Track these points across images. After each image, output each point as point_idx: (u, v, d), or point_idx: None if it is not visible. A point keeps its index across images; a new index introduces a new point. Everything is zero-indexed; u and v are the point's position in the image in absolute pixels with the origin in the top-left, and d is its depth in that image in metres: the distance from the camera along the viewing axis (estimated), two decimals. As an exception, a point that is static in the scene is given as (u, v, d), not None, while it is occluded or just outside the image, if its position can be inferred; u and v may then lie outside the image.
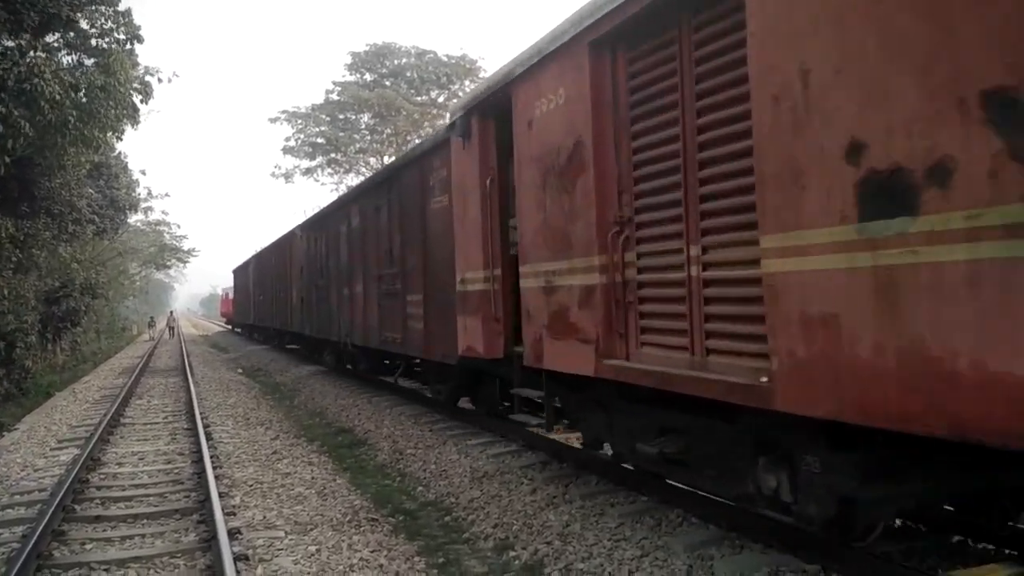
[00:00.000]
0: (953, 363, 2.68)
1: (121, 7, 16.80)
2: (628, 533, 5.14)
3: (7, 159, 14.03)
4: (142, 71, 17.94)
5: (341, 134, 41.17)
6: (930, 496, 4.21)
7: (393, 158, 26.19)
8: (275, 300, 22.94)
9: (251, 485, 7.27)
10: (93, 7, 16.17)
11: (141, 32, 17.00)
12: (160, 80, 18.23)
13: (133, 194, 32.19)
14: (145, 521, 6.24)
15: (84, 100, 15.52)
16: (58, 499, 6.35)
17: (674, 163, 4.33)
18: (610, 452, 6.12)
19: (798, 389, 3.34)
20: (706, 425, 4.49)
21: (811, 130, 3.21)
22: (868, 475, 3.60)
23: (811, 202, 3.21)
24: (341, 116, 41.31)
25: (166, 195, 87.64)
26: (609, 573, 4.61)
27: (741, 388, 3.72)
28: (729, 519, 5.10)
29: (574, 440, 7.64)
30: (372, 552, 5.29)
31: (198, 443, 9.00)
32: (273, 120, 42.50)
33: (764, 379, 3.54)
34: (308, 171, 42.72)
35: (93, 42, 16.59)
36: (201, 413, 11.47)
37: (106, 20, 16.53)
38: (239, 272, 35.76)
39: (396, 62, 41.15)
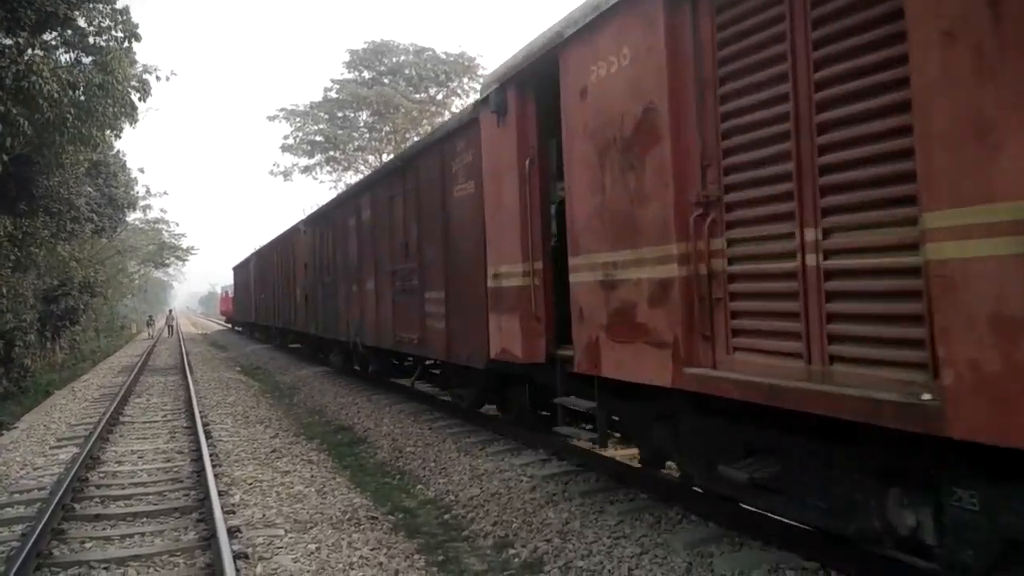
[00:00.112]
0: None
1: (119, 5, 16.81)
2: (628, 531, 5.15)
3: (5, 157, 14.01)
4: (140, 69, 17.92)
5: (340, 132, 41.15)
6: None
7: (392, 155, 26.06)
8: (278, 298, 22.45)
9: (250, 483, 7.26)
10: (91, 5, 16.16)
11: (139, 30, 16.98)
12: (158, 78, 18.20)
13: (131, 192, 32.21)
14: (144, 519, 6.23)
15: (82, 98, 15.50)
16: (57, 498, 6.35)
17: (780, 128, 3.59)
18: (677, 472, 5.57)
19: (985, 411, 2.60)
20: (812, 446, 3.79)
21: (1010, 71, 2.52)
22: None
23: (1010, 165, 2.50)
24: (340, 114, 41.29)
25: (165, 193, 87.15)
26: (609, 571, 4.61)
27: (892, 408, 2.94)
28: (728, 517, 5.11)
29: (609, 453, 7.13)
30: (372, 550, 5.29)
31: (197, 441, 9.00)
32: (272, 118, 42.50)
33: (927, 396, 2.84)
34: (307, 169, 42.74)
35: (91, 40, 16.57)
36: (200, 411, 11.48)
37: (104, 18, 16.53)
38: (239, 269, 35.67)
39: (394, 60, 41.12)
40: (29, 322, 19.03)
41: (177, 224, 66.39)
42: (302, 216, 18.92)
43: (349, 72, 41.59)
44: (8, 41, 13.79)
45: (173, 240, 52.32)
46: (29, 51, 14.05)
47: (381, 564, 5.04)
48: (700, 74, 4.08)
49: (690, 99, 4.14)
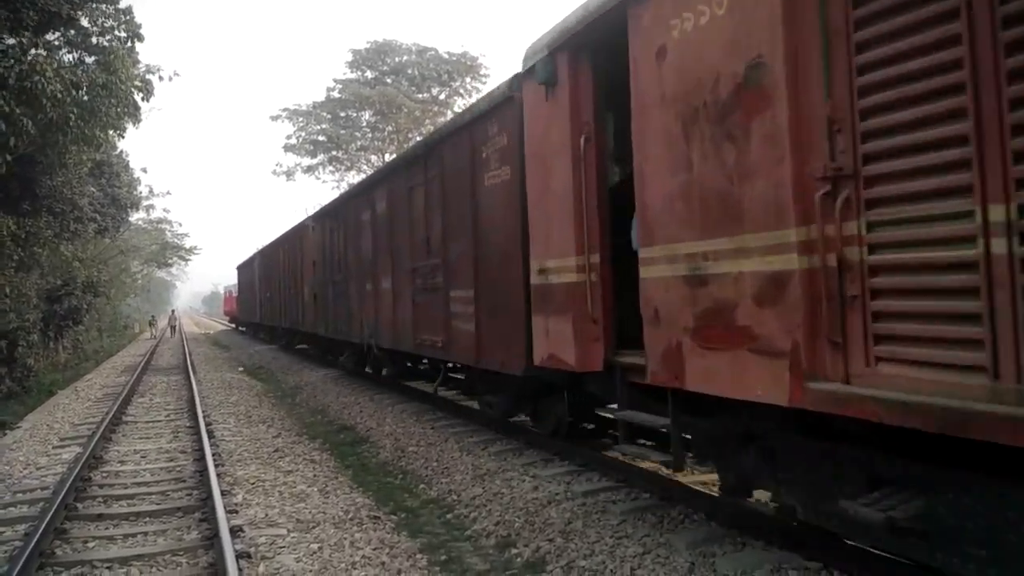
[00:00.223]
0: None
1: (122, 5, 16.82)
2: (630, 530, 5.14)
3: (9, 157, 14.04)
4: (143, 69, 17.93)
5: (342, 132, 41.21)
6: None
7: (394, 155, 25.93)
8: (284, 297, 21.88)
9: (253, 483, 7.27)
10: (94, 5, 16.17)
11: (142, 30, 17.01)
12: (161, 78, 18.20)
13: (134, 192, 32.24)
14: (147, 519, 6.24)
15: (85, 98, 15.53)
16: (60, 497, 6.36)
17: (950, 79, 2.88)
18: (771, 503, 4.86)
19: None
20: (973, 481, 3.09)
21: None
22: None
23: None
24: (342, 114, 41.36)
25: (167, 193, 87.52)
26: (611, 570, 4.60)
27: None
28: (731, 516, 5.10)
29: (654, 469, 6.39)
30: (374, 550, 5.29)
31: (200, 441, 9.01)
32: (274, 118, 42.65)
33: None
34: (309, 169, 42.83)
35: (94, 40, 16.58)
36: (203, 411, 11.49)
37: (107, 18, 16.53)
38: (243, 268, 35.63)
39: (397, 59, 41.19)
40: (32, 322, 19.07)
41: (180, 224, 66.51)
42: (305, 216, 18.82)
43: (352, 72, 41.74)
44: (11, 41, 13.82)
45: (176, 240, 52.40)
46: (32, 51, 14.08)
47: (383, 564, 5.04)
48: (826, 20, 3.34)
49: (813, 50, 3.40)
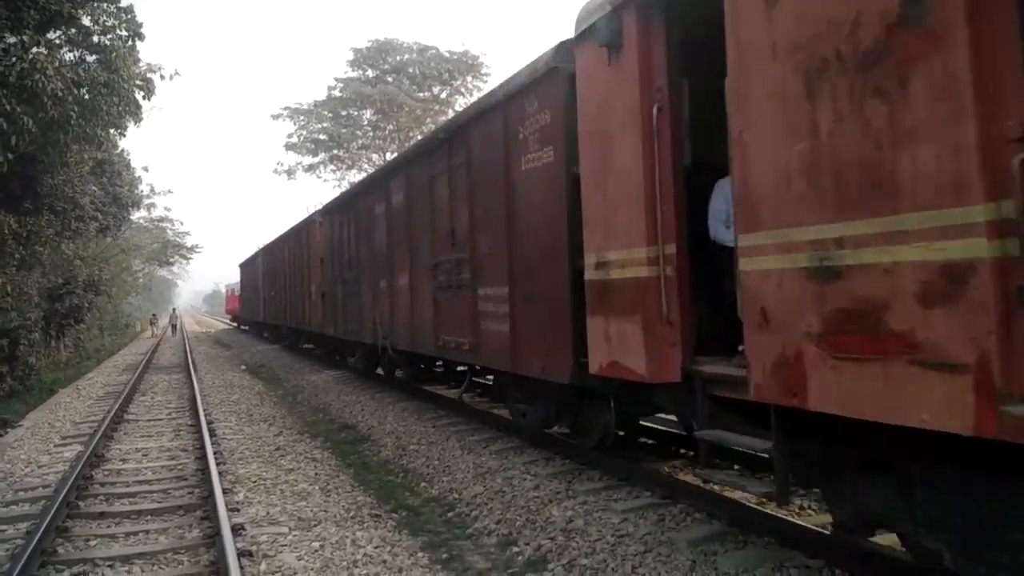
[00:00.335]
0: None
1: (123, 3, 16.81)
2: (631, 529, 5.14)
3: (10, 156, 14.03)
4: (144, 68, 17.93)
5: (343, 130, 41.22)
6: None
7: (395, 154, 25.81)
8: (289, 296, 21.29)
9: (254, 481, 7.27)
10: (95, 3, 16.16)
11: (143, 29, 17.01)
12: (162, 77, 18.17)
13: (136, 191, 32.27)
14: (149, 517, 6.24)
15: (86, 97, 15.52)
16: (62, 495, 6.36)
17: None
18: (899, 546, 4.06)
19: None
20: None
21: None
22: None
23: None
24: (343, 112, 41.37)
25: (169, 192, 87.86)
26: (612, 568, 4.60)
27: None
28: (732, 515, 5.09)
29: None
30: (376, 548, 5.29)
31: (201, 439, 9.01)
32: (275, 117, 42.61)
33: None
34: (310, 168, 42.81)
35: (95, 39, 16.57)
36: (204, 409, 11.50)
37: (108, 17, 16.52)
38: (246, 266, 35.58)
39: (398, 58, 41.17)
40: (34, 320, 19.09)
41: (181, 223, 66.32)
42: (307, 214, 18.73)
43: (353, 70, 41.74)
44: (12, 39, 13.81)
45: (177, 238, 52.38)
46: (34, 49, 14.06)
47: (385, 562, 5.04)
48: None
49: None
